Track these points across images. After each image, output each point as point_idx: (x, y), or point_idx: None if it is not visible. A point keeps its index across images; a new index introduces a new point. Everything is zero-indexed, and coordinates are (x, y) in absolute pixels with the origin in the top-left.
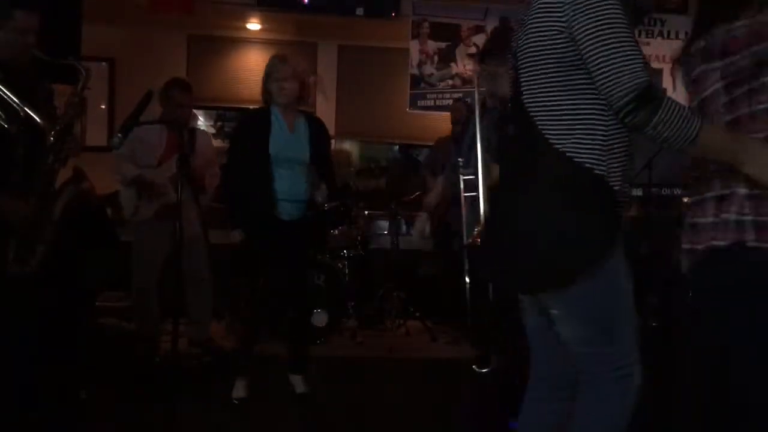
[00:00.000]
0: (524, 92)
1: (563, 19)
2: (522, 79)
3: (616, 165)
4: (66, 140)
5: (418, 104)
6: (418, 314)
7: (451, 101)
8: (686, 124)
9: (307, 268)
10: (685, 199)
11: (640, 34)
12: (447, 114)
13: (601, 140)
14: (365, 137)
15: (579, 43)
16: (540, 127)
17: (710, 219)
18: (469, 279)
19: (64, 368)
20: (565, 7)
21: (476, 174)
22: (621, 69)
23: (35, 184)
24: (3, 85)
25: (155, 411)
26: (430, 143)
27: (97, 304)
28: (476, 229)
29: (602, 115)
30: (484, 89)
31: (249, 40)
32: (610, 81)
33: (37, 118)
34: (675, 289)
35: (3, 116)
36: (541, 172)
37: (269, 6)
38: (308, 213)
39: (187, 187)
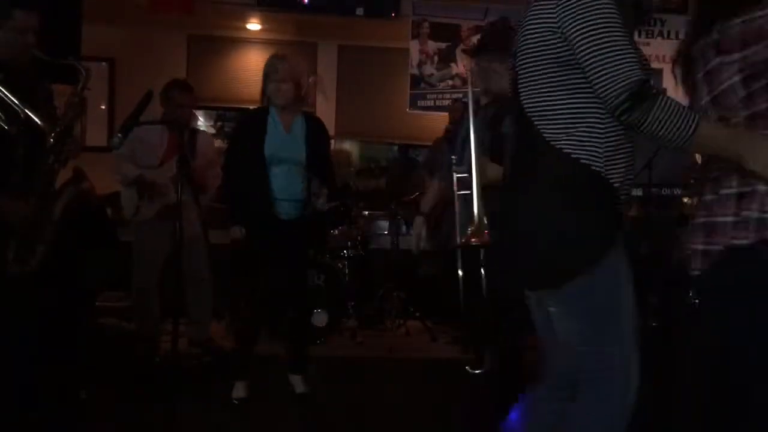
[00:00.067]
0: (522, 92)
1: (555, 20)
2: (520, 79)
3: (616, 163)
4: (66, 141)
5: (418, 104)
6: (418, 314)
7: (451, 101)
8: (683, 121)
9: (306, 267)
10: (686, 199)
11: (640, 34)
12: (447, 114)
13: (599, 139)
14: (365, 137)
15: (572, 44)
16: (538, 126)
17: (730, 218)
18: (463, 279)
19: (64, 368)
20: (558, 8)
21: (470, 172)
22: (614, 68)
23: (35, 185)
24: (3, 86)
25: (155, 411)
26: (430, 143)
27: (97, 304)
28: (469, 229)
29: (600, 113)
30: (477, 89)
31: (249, 40)
32: (603, 81)
33: (38, 120)
34: (675, 289)
35: (3, 117)
36: (540, 171)
37: (269, 6)
38: (305, 212)
39: (188, 188)
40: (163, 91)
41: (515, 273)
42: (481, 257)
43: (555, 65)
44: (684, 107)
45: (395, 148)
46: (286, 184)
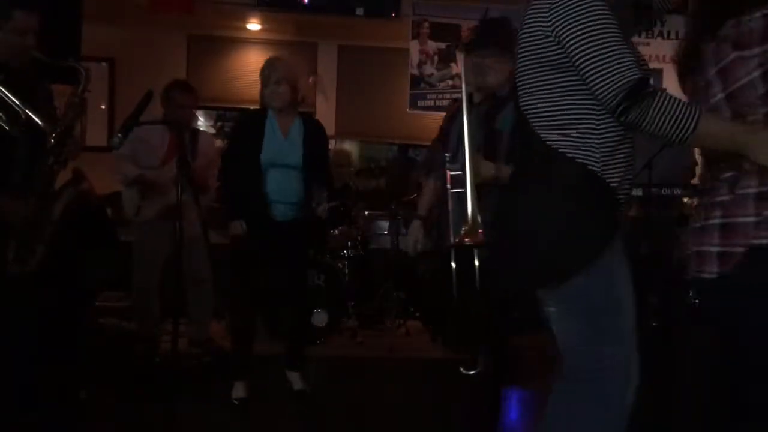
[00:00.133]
0: (520, 93)
1: (548, 24)
2: (518, 81)
3: (613, 164)
4: (67, 142)
5: (418, 104)
6: (418, 314)
7: (450, 101)
8: (683, 117)
9: (306, 267)
10: (686, 199)
11: (640, 35)
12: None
13: (595, 139)
14: (365, 137)
15: (565, 47)
16: (535, 127)
17: (752, 218)
18: (456, 280)
19: (64, 368)
20: (550, 12)
21: (463, 170)
22: (610, 69)
23: (35, 185)
24: (4, 87)
25: (155, 411)
26: (430, 143)
27: (97, 304)
28: (463, 228)
29: (596, 114)
30: (469, 86)
31: (249, 40)
32: (599, 83)
33: (39, 121)
34: (675, 289)
35: (4, 118)
36: (538, 171)
37: (269, 6)
38: (301, 215)
39: (188, 188)
40: (164, 91)
41: (514, 273)
42: (475, 257)
43: (549, 68)
44: (684, 103)
45: (395, 148)
46: (282, 187)
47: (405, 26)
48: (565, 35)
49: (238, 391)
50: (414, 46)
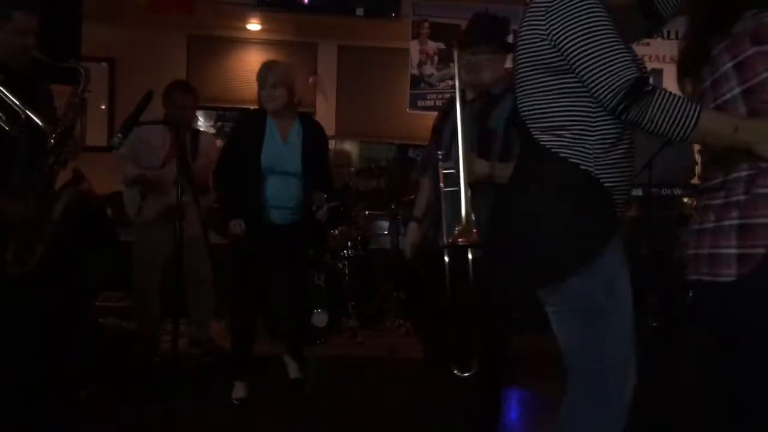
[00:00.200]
0: (518, 95)
1: (544, 26)
2: (517, 83)
3: (608, 164)
4: (67, 142)
5: (418, 104)
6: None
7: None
8: (683, 114)
9: (305, 268)
10: (686, 199)
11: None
12: None
13: (589, 139)
14: (365, 137)
15: (562, 49)
16: (530, 128)
17: None
18: (450, 281)
19: (64, 368)
20: (546, 14)
21: (457, 168)
22: (607, 69)
23: (35, 185)
24: (4, 87)
25: (155, 411)
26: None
27: (97, 304)
28: (457, 228)
29: (591, 115)
30: (462, 83)
31: (249, 40)
32: (598, 83)
33: (39, 122)
34: (675, 289)
35: (4, 118)
36: (533, 171)
37: (269, 6)
38: (299, 217)
39: (188, 189)
40: (165, 92)
41: (512, 273)
42: (469, 257)
43: (544, 70)
44: (684, 100)
45: (395, 148)
46: (279, 192)
47: (405, 26)
48: (561, 37)
49: (238, 391)
50: (414, 46)
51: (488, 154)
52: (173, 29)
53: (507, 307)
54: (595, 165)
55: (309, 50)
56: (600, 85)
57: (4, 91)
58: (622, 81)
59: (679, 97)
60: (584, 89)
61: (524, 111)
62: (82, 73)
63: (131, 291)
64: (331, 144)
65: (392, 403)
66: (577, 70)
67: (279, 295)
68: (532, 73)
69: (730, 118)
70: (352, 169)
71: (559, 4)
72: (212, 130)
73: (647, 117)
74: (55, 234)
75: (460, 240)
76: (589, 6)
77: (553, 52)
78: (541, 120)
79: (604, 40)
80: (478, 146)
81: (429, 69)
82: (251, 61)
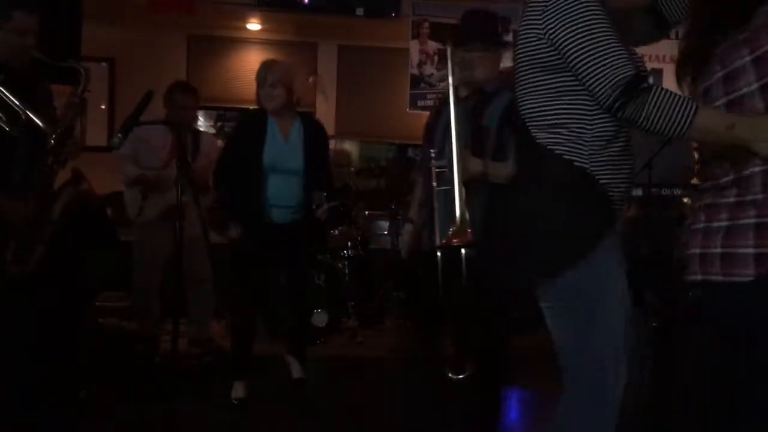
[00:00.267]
0: (518, 94)
1: (541, 25)
2: (516, 82)
3: (604, 160)
4: (67, 143)
5: (418, 104)
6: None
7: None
8: (680, 112)
9: (306, 268)
10: (686, 199)
11: None
12: None
13: (586, 137)
14: (365, 137)
15: (559, 48)
16: (529, 126)
17: None
18: (444, 281)
19: (64, 368)
20: (543, 14)
21: (450, 166)
22: (604, 67)
23: (35, 185)
24: (4, 87)
25: (155, 411)
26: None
27: (97, 304)
28: (451, 229)
29: (589, 113)
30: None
31: (249, 40)
32: (595, 81)
33: (39, 122)
34: (675, 289)
35: (4, 118)
36: (531, 170)
37: (269, 6)
38: (300, 216)
39: (188, 189)
40: (166, 92)
41: (509, 270)
42: (463, 257)
43: (541, 68)
44: (681, 97)
45: (395, 148)
46: (281, 191)
47: (405, 26)
48: (558, 35)
49: (238, 391)
50: (414, 46)
51: (481, 152)
52: (173, 29)
53: (505, 307)
54: (591, 162)
55: (309, 50)
56: (596, 83)
57: (4, 91)
58: (618, 79)
59: (675, 94)
60: (582, 87)
61: (523, 109)
62: (82, 73)
63: (131, 291)
64: (331, 144)
65: (392, 403)
66: (574, 68)
67: (280, 295)
68: (530, 71)
69: (726, 116)
70: (352, 169)
71: (556, 3)
72: (212, 130)
73: (643, 114)
74: (54, 234)
75: (454, 241)
76: (585, 4)
77: (551, 51)
78: (539, 118)
79: (601, 38)
80: (471, 144)
81: (429, 69)
82: (251, 61)
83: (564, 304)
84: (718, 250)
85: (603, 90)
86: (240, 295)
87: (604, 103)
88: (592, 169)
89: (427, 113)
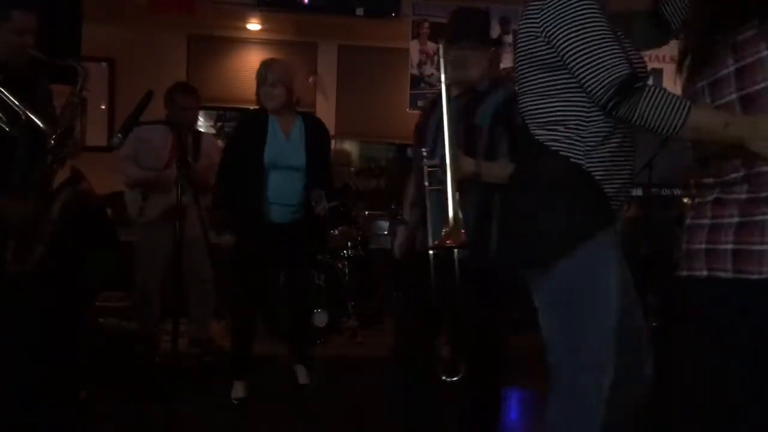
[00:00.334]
0: (518, 93)
1: (538, 25)
2: (517, 81)
3: (599, 157)
4: (66, 143)
5: (418, 104)
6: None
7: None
8: (673, 111)
9: (307, 268)
10: (686, 199)
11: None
12: None
13: (582, 134)
14: (365, 137)
15: (555, 46)
16: (528, 124)
17: None
18: (436, 284)
19: (64, 368)
20: (541, 13)
21: (442, 165)
22: (598, 67)
23: (34, 185)
24: (4, 87)
25: (155, 411)
26: None
27: (97, 304)
28: (444, 230)
29: (586, 111)
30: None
31: (249, 40)
32: (590, 80)
33: (39, 123)
34: (675, 289)
35: (4, 119)
36: (529, 167)
37: (269, 6)
38: (301, 215)
39: (189, 189)
40: (166, 93)
41: (504, 264)
42: (456, 258)
43: (539, 67)
44: (674, 97)
45: (395, 148)
46: (282, 189)
47: (405, 26)
48: (555, 35)
49: (238, 391)
50: (414, 46)
51: (474, 151)
52: (173, 29)
53: (502, 306)
54: (587, 158)
55: (309, 50)
56: (591, 82)
57: (4, 91)
58: (613, 78)
59: (670, 94)
60: (578, 85)
61: (523, 108)
62: (80, 71)
63: (131, 291)
64: (331, 144)
65: (392, 403)
66: (570, 67)
67: (280, 295)
68: (529, 70)
69: (720, 115)
70: (352, 169)
71: (553, 2)
72: (212, 130)
73: (637, 113)
74: (54, 233)
75: (447, 241)
76: (582, 4)
77: (548, 50)
78: (537, 116)
79: (596, 38)
80: (463, 143)
81: (429, 69)
82: (251, 60)
83: (554, 299)
84: (730, 246)
85: (598, 89)
86: (240, 295)
87: (599, 101)
88: (587, 165)
89: None
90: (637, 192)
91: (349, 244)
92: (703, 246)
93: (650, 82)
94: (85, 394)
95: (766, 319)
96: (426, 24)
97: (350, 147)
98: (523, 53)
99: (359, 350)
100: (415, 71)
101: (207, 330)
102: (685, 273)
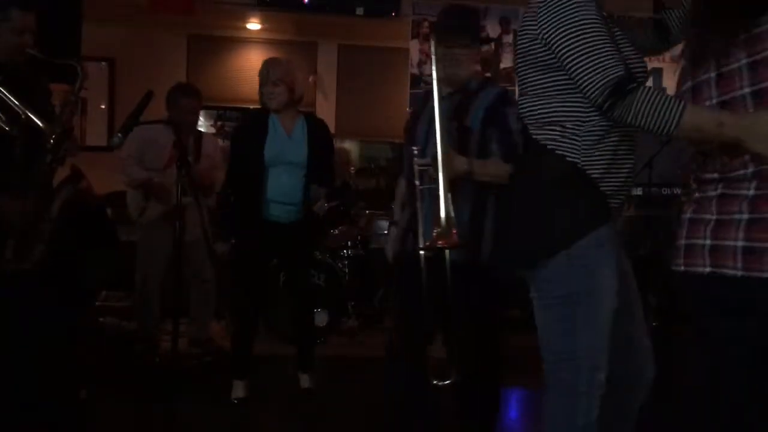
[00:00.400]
0: (519, 94)
1: (536, 26)
2: (518, 81)
3: (596, 156)
4: (66, 142)
5: None
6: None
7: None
8: (667, 111)
9: (308, 268)
10: (686, 199)
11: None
12: None
13: (579, 133)
14: (365, 137)
15: (552, 48)
16: (528, 124)
17: None
18: (426, 287)
19: (64, 368)
20: (538, 14)
21: (434, 164)
22: (592, 69)
23: (34, 184)
24: (3, 87)
25: (155, 411)
26: None
27: (97, 304)
28: (436, 230)
29: (583, 111)
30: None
31: (249, 40)
32: (585, 81)
33: (39, 122)
34: (675, 289)
35: (3, 118)
36: (528, 167)
37: (269, 6)
38: (302, 214)
39: (189, 190)
40: (168, 94)
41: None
42: (447, 259)
43: (536, 67)
44: (668, 97)
45: (395, 147)
46: (284, 187)
47: (405, 26)
48: (551, 36)
49: (238, 391)
50: (414, 46)
51: (465, 150)
52: (173, 29)
53: (497, 305)
54: (583, 157)
55: (309, 50)
56: (587, 83)
57: (3, 91)
58: (608, 79)
59: (664, 94)
60: (575, 86)
61: (523, 108)
62: (78, 70)
63: (131, 291)
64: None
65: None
66: (566, 68)
67: (283, 296)
68: (528, 71)
69: (714, 114)
70: (352, 168)
71: (550, 4)
72: (212, 130)
73: (632, 113)
74: (53, 232)
75: (439, 242)
76: (578, 5)
77: (545, 50)
78: (536, 116)
79: (592, 39)
80: (457, 143)
81: (429, 68)
82: (251, 60)
83: (547, 296)
84: (740, 243)
85: (593, 90)
86: (240, 294)
87: (594, 102)
88: (583, 164)
89: None
90: (637, 191)
91: (349, 244)
92: (708, 242)
93: (650, 82)
94: (85, 394)
95: None
96: (426, 23)
97: (350, 147)
98: (522, 54)
99: (359, 350)
100: (415, 71)
101: (207, 330)
102: (682, 268)
